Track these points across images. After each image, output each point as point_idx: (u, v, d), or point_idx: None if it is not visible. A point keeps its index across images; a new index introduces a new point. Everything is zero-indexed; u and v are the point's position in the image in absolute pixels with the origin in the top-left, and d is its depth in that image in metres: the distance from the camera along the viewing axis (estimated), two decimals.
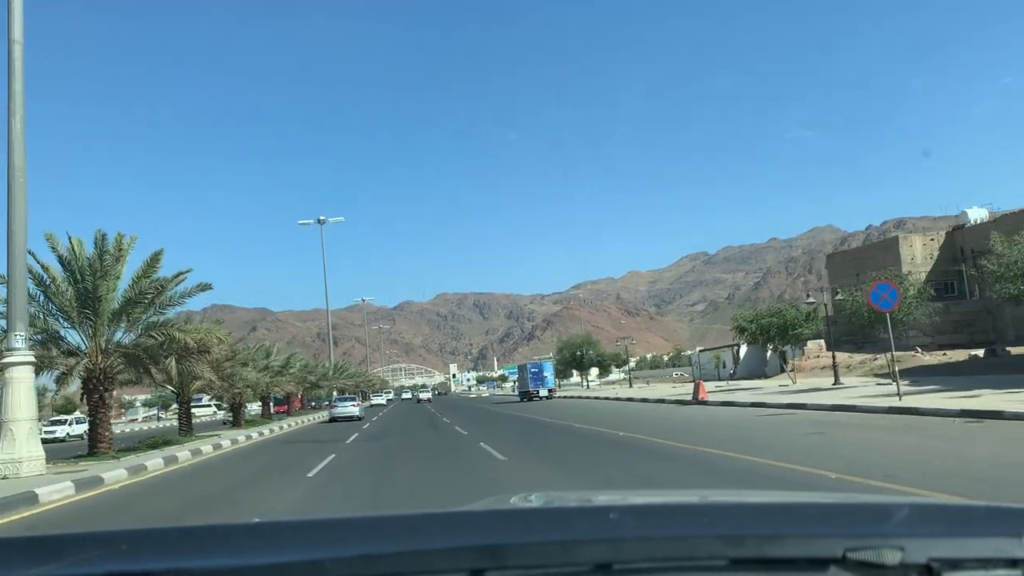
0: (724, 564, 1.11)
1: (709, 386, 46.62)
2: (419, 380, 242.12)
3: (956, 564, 1.10)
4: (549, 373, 55.89)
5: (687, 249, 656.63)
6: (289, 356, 45.23)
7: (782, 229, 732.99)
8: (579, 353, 72.71)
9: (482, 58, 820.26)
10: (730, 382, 54.08)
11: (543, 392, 54.44)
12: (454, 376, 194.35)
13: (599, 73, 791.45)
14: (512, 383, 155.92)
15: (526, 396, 55.16)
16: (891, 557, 1.08)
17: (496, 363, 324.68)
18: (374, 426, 32.10)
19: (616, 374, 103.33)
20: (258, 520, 1.98)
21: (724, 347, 64.45)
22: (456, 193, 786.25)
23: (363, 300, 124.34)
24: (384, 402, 77.23)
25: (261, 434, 30.03)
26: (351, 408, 38.27)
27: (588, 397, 49.41)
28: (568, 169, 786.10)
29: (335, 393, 66.19)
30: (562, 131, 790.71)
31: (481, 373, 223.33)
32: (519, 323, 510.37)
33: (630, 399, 38.65)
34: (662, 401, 33.57)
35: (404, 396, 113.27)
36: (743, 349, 58.06)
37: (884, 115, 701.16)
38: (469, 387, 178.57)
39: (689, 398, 29.62)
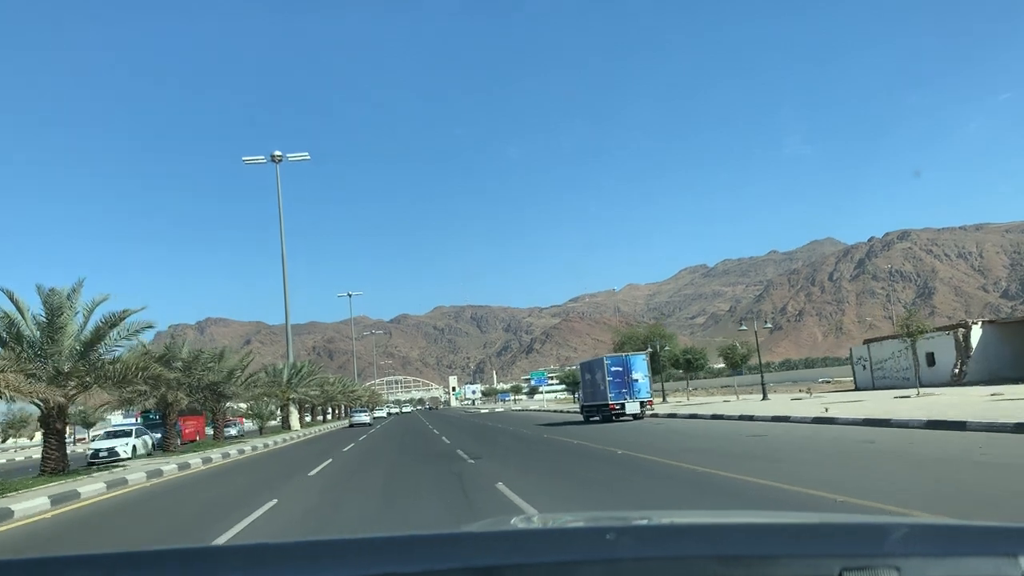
0: None
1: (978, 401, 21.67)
2: (416, 394, 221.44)
3: None
4: (641, 374, 32.19)
5: (686, 262, 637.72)
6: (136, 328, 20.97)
7: (781, 242, 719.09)
8: (650, 349, 49.51)
9: (482, 71, 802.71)
10: (961, 388, 31.25)
11: (632, 407, 31.50)
12: (455, 389, 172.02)
13: (599, 87, 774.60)
14: (523, 395, 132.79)
15: (599, 412, 32.36)
16: None
17: (495, 376, 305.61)
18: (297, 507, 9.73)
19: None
20: (249, 543, 1.87)
21: (936, 332, 38.73)
22: (454, 206, 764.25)
23: (349, 295, 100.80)
24: (385, 415, 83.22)
25: None
26: (364, 417, 57.56)
27: (745, 417, 26.51)
28: (567, 183, 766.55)
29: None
30: (561, 145, 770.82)
31: (487, 386, 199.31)
32: (517, 336, 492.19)
33: (940, 426, 15.89)
34: None
35: (403, 410, 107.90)
36: (976, 332, 34.44)
37: (882, 130, 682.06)
38: (472, 401, 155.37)
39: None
